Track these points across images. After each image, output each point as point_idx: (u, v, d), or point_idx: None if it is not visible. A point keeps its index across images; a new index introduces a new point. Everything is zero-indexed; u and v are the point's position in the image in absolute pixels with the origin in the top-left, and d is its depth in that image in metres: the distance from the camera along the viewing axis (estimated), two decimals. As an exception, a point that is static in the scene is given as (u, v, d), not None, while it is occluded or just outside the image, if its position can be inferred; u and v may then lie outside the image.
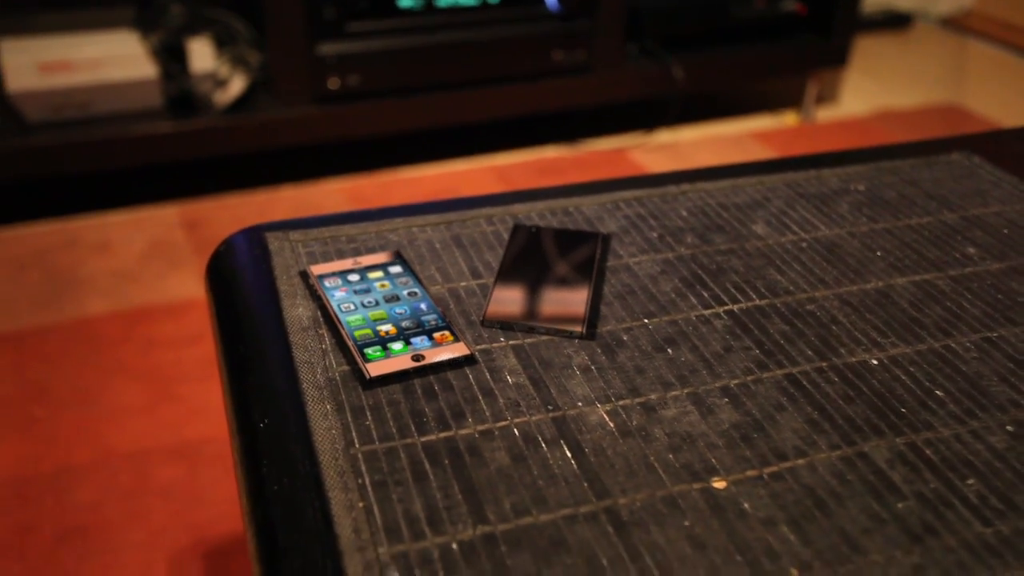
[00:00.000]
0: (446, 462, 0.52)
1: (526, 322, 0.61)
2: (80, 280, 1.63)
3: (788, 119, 2.31)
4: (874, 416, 0.56)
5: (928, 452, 0.54)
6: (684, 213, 0.77)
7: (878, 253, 0.73)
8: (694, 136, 2.18)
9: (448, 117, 1.90)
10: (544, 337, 0.62)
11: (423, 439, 0.53)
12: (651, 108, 2.29)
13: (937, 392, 0.59)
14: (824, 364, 0.61)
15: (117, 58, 1.70)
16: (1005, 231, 0.77)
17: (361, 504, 0.49)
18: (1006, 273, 0.71)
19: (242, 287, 0.67)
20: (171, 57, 1.76)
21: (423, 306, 0.62)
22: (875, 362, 0.61)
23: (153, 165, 1.93)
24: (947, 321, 0.65)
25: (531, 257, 0.69)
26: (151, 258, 1.69)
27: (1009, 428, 0.56)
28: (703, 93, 2.39)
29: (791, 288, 0.68)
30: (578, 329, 0.61)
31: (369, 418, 0.55)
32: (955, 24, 3.04)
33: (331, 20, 1.74)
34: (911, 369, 0.60)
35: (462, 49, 1.84)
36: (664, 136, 2.16)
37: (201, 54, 1.74)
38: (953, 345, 0.63)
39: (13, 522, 1.19)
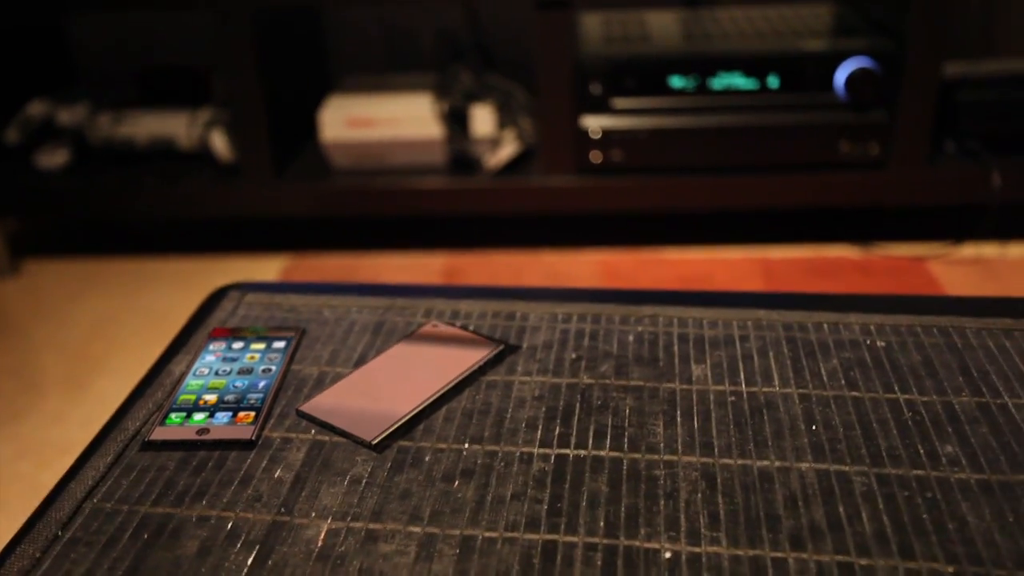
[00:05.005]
0: (145, 537, 0.53)
1: (328, 421, 0.60)
2: (344, 309, 1.84)
3: None
4: (597, 619, 0.46)
5: None
6: (630, 339, 0.68)
7: (812, 427, 0.58)
8: (1020, 254, 1.83)
9: (713, 201, 1.82)
10: (344, 440, 0.59)
11: (150, 510, 0.55)
12: (964, 214, 1.97)
13: (708, 614, 0.46)
14: (602, 541, 0.51)
15: (411, 118, 1.90)
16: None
17: (38, 555, 0.52)
18: (975, 489, 0.53)
19: (177, 336, 0.73)
20: (456, 120, 1.92)
21: (261, 384, 0.63)
22: (667, 555, 0.49)
23: (429, 216, 2.11)
24: (817, 531, 0.51)
25: (406, 355, 0.66)
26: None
27: None
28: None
29: (659, 446, 0.57)
30: (368, 439, 0.58)
31: (130, 478, 0.57)
32: None
33: (598, 95, 1.77)
34: (705, 577, 0.48)
35: (734, 134, 1.76)
36: (982, 248, 1.85)
37: (482, 119, 1.88)
38: (792, 561, 0.49)
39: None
